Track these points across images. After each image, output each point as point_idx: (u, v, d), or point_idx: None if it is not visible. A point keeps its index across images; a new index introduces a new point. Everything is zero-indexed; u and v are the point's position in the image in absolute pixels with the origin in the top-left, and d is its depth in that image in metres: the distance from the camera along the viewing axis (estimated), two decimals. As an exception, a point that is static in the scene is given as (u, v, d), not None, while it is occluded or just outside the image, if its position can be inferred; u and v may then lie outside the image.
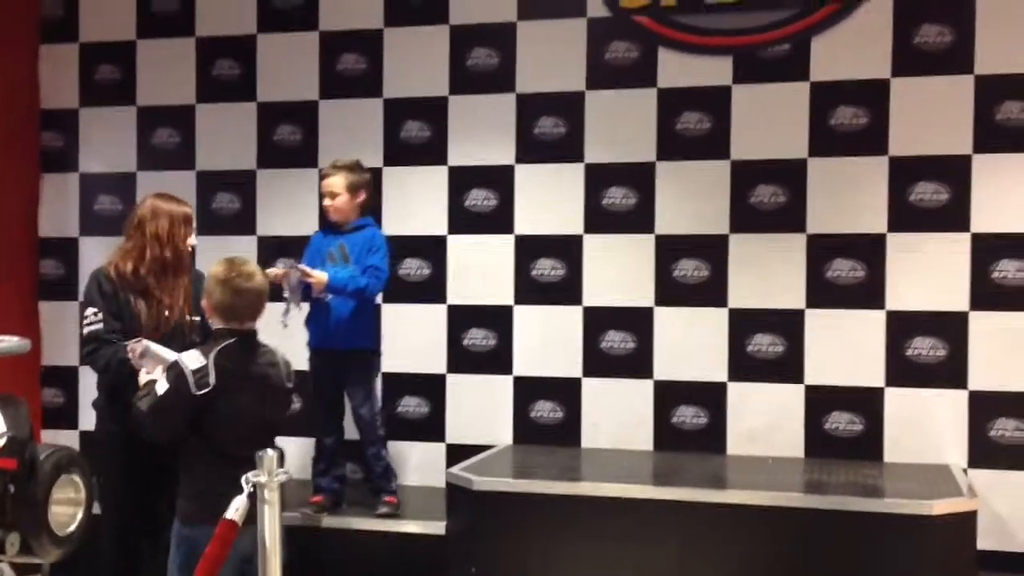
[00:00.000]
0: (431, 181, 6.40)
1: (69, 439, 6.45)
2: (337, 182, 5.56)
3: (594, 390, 6.20)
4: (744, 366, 6.00)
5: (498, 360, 6.31)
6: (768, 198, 5.98)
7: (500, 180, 6.32)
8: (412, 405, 6.43)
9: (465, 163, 6.36)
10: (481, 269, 6.34)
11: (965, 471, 5.64)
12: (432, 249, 6.40)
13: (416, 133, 6.45)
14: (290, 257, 5.63)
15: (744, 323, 6.00)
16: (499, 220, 6.32)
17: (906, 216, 5.81)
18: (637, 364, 6.13)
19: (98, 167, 6.90)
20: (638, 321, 6.14)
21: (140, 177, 6.78)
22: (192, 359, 3.96)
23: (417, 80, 6.42)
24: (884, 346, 5.83)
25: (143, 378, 4.17)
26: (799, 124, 5.93)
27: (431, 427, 6.39)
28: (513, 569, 5.19)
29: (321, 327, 5.55)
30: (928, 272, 5.78)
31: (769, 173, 5.97)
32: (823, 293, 5.90)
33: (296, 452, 6.02)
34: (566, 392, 6.23)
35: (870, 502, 4.91)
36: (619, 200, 6.17)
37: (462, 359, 6.37)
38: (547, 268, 6.25)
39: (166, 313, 4.49)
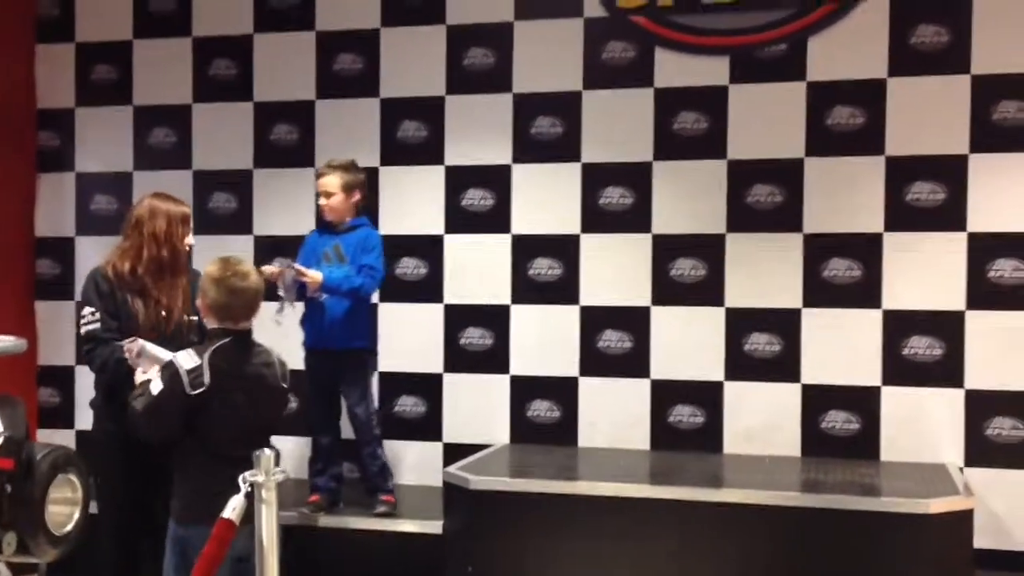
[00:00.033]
0: (428, 181, 6.40)
1: (65, 438, 6.44)
2: (332, 182, 5.56)
3: (591, 389, 6.20)
4: (741, 365, 6.00)
5: (495, 359, 6.32)
6: (765, 198, 5.99)
7: (497, 180, 6.32)
8: (409, 404, 6.43)
9: (462, 163, 6.36)
10: (478, 268, 6.34)
11: (961, 470, 5.64)
12: (429, 248, 6.40)
13: (413, 133, 6.45)
14: (286, 256, 5.62)
15: (741, 322, 6.00)
16: (496, 220, 6.32)
17: (903, 216, 5.81)
18: (634, 363, 6.14)
19: (94, 167, 6.89)
20: (635, 320, 6.14)
21: (136, 177, 6.78)
22: (187, 359, 3.95)
23: (414, 80, 6.42)
24: (881, 345, 5.83)
25: (139, 377, 4.17)
26: (796, 124, 5.94)
27: (428, 426, 6.39)
28: (510, 568, 5.19)
29: (316, 327, 5.55)
30: (925, 271, 5.79)
31: (766, 173, 5.98)
32: (820, 292, 5.91)
33: (293, 451, 6.02)
34: (563, 391, 6.23)
35: (867, 501, 4.92)
36: (616, 200, 6.18)
37: (459, 358, 6.37)
38: (544, 268, 6.26)
39: (163, 313, 4.48)
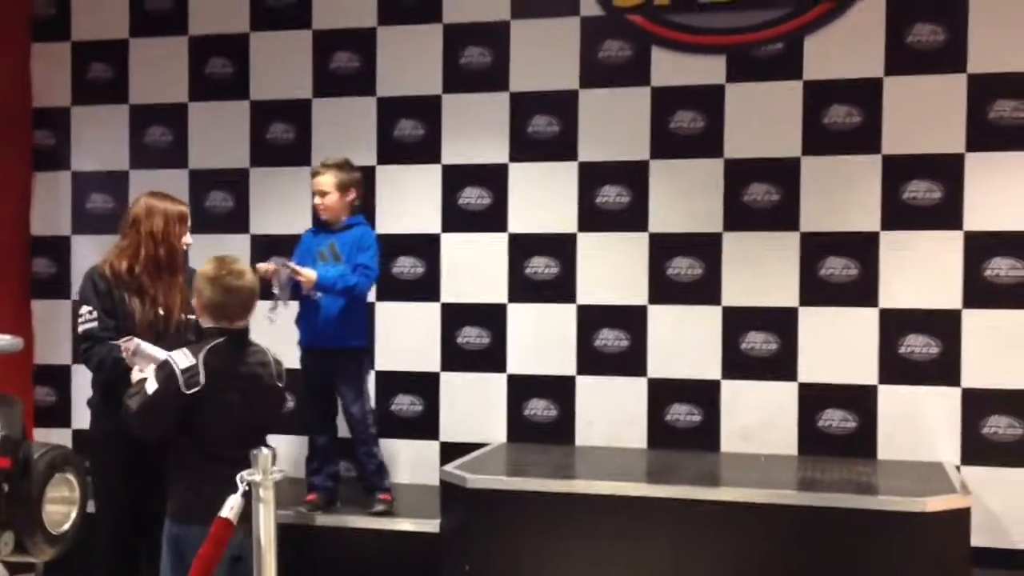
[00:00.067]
0: (425, 179, 6.40)
1: (62, 438, 6.42)
2: (327, 181, 5.56)
3: (588, 388, 6.20)
4: (738, 364, 6.00)
5: (492, 358, 6.31)
6: (761, 196, 5.99)
7: (494, 178, 6.32)
8: (406, 403, 6.42)
9: (459, 161, 6.36)
10: (475, 267, 6.34)
11: (958, 468, 5.65)
12: (425, 247, 6.40)
13: (410, 131, 6.44)
14: (282, 255, 5.63)
15: (738, 321, 6.01)
16: (493, 218, 6.32)
17: (899, 214, 5.82)
18: (631, 362, 6.14)
19: (90, 165, 6.89)
20: (632, 319, 6.14)
21: (133, 175, 6.77)
22: (182, 358, 3.95)
23: (410, 78, 6.42)
24: (877, 344, 5.84)
25: (135, 376, 4.17)
26: (792, 123, 5.94)
27: (425, 425, 6.39)
28: (507, 567, 5.19)
29: (311, 326, 5.55)
30: (921, 270, 5.79)
31: (762, 171, 5.98)
32: (816, 291, 5.91)
33: (289, 450, 6.01)
34: (560, 390, 6.23)
35: (864, 499, 4.92)
36: (612, 198, 6.18)
37: (456, 357, 6.37)
38: (541, 266, 6.26)
39: (161, 312, 4.49)
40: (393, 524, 5.51)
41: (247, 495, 3.40)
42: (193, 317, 4.43)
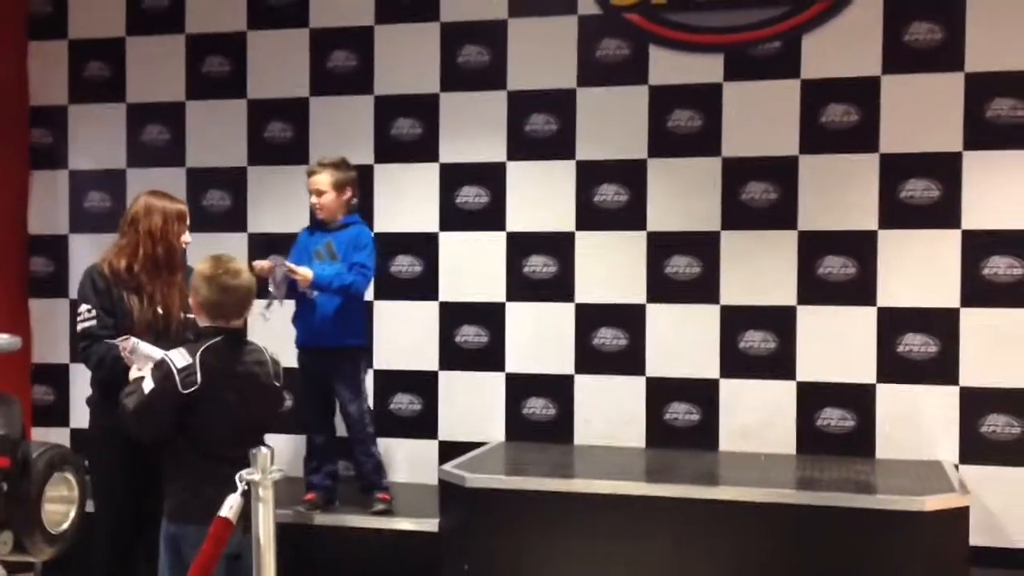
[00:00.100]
0: (423, 178, 6.39)
1: (60, 436, 6.42)
2: (323, 180, 5.56)
3: (586, 387, 6.20)
4: (736, 363, 6.01)
5: (490, 357, 6.31)
6: (759, 195, 5.99)
7: (492, 177, 6.32)
8: (404, 402, 6.42)
9: (456, 160, 6.36)
10: (473, 266, 6.34)
11: (957, 467, 5.66)
12: (424, 246, 6.39)
13: (407, 130, 6.44)
14: (280, 254, 5.62)
15: (736, 320, 6.01)
16: (491, 217, 6.31)
17: (897, 213, 5.82)
18: (629, 361, 6.14)
19: (87, 164, 6.88)
20: (630, 318, 6.14)
21: (130, 174, 6.77)
22: (178, 357, 3.95)
23: (408, 77, 6.42)
24: (875, 342, 5.84)
25: (133, 373, 4.17)
26: (790, 121, 5.94)
27: (423, 424, 6.39)
28: (506, 566, 5.19)
29: (308, 325, 5.55)
30: (919, 269, 5.79)
31: (760, 170, 5.98)
32: (814, 290, 5.92)
33: (287, 449, 6.01)
34: (558, 389, 6.23)
35: (862, 498, 4.92)
36: (610, 197, 6.18)
37: (454, 356, 6.37)
38: (539, 265, 6.26)
39: (159, 310, 4.48)
40: (392, 523, 5.51)
41: (246, 494, 3.39)
42: (192, 315, 4.43)
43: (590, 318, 6.19)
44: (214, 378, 3.94)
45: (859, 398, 5.86)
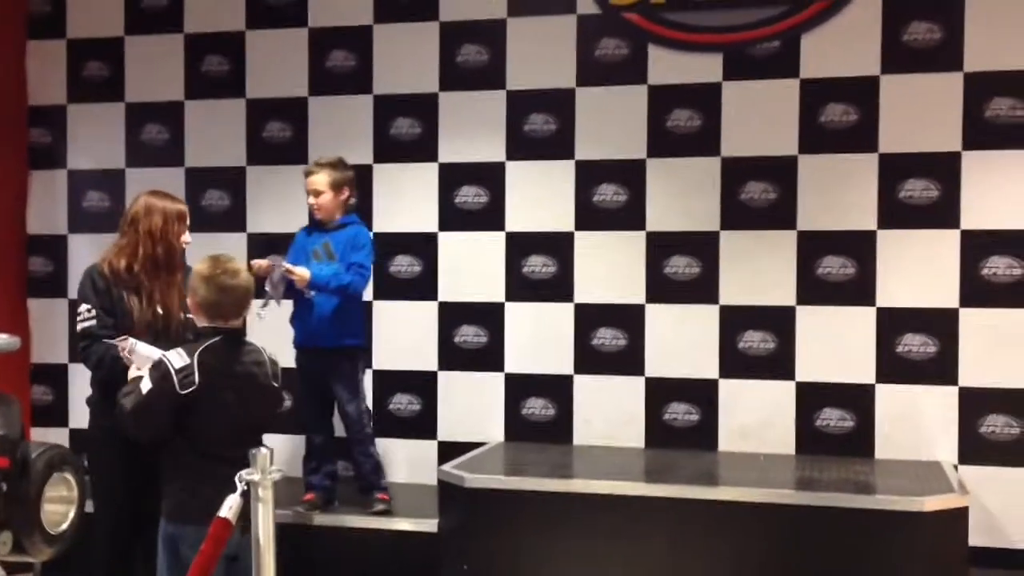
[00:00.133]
0: (421, 178, 6.39)
1: (59, 437, 6.42)
2: (320, 180, 5.55)
3: (586, 387, 6.20)
4: (735, 363, 6.00)
5: (489, 357, 6.31)
6: (759, 195, 5.99)
7: (491, 177, 6.31)
8: (403, 402, 6.42)
9: (455, 160, 6.36)
10: (472, 266, 6.33)
11: (956, 467, 5.66)
12: (423, 246, 6.39)
13: (406, 130, 6.44)
14: (279, 254, 5.62)
15: (735, 320, 6.01)
16: (490, 217, 6.31)
17: (896, 213, 5.82)
18: (628, 361, 6.13)
19: (86, 164, 6.87)
20: (629, 318, 6.14)
21: (129, 174, 6.76)
22: (177, 358, 3.94)
23: (407, 77, 6.41)
24: (875, 343, 5.84)
25: (132, 373, 4.16)
26: (789, 121, 5.94)
27: (422, 424, 6.39)
28: (505, 566, 5.19)
29: (306, 325, 5.54)
30: (918, 269, 5.79)
31: (759, 170, 5.98)
32: (814, 290, 5.91)
33: (286, 449, 6.01)
34: (557, 389, 6.23)
35: (861, 498, 4.92)
36: (610, 197, 6.17)
37: (453, 356, 6.36)
38: (538, 265, 6.25)
39: (159, 310, 4.48)
40: (391, 524, 5.50)
41: (245, 494, 3.39)
42: (192, 316, 4.43)
43: (589, 318, 6.19)
44: (212, 378, 3.93)
45: (858, 398, 5.86)
